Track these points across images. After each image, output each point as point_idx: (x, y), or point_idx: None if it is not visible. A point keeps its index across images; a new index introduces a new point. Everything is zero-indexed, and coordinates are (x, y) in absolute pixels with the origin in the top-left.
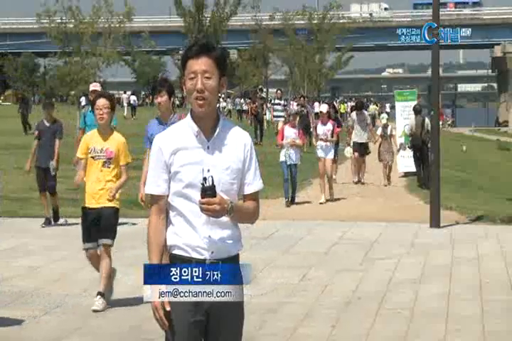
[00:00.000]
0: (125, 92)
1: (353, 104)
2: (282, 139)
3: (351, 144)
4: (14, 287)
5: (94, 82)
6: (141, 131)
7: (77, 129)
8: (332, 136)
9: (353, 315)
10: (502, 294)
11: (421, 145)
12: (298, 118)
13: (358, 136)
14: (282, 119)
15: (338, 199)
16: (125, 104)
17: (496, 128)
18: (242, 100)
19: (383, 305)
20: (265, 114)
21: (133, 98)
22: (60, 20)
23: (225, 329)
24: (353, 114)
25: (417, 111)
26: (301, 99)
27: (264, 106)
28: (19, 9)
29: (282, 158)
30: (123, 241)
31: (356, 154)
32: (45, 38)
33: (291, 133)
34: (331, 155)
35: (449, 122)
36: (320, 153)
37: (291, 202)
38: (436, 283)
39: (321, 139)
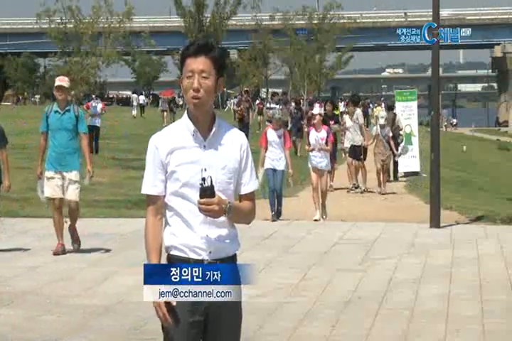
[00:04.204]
0: (135, 92)
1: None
2: (266, 143)
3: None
4: (14, 287)
5: (62, 75)
6: (146, 131)
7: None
8: (327, 144)
9: (353, 315)
10: (502, 294)
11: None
12: (290, 120)
13: (351, 138)
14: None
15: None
16: (135, 104)
17: (496, 128)
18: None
19: (383, 305)
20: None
21: (142, 98)
22: (59, 20)
23: (223, 329)
24: (359, 111)
25: (389, 107)
26: (283, 95)
27: (255, 107)
28: (19, 9)
29: (267, 165)
30: (122, 242)
31: (350, 159)
32: (45, 38)
33: (274, 137)
34: (326, 166)
35: (446, 123)
36: (313, 163)
37: (278, 216)
38: (436, 283)
39: (312, 150)
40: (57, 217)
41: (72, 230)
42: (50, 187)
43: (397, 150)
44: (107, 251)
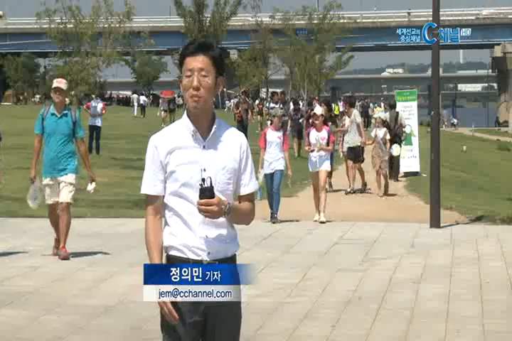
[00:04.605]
0: (135, 93)
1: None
2: (265, 144)
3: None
4: (14, 287)
5: (60, 77)
6: (145, 132)
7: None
8: (328, 145)
9: (353, 315)
10: (502, 294)
11: (393, 137)
12: (289, 122)
13: (348, 139)
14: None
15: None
16: (135, 104)
17: (496, 128)
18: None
19: (383, 305)
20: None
21: (142, 98)
22: (60, 20)
23: (223, 329)
24: (355, 111)
25: (391, 105)
26: (281, 95)
27: (255, 107)
28: (19, 9)
29: (266, 170)
30: (122, 242)
31: (351, 162)
32: (45, 38)
33: (274, 138)
34: (325, 166)
35: (446, 123)
36: (313, 167)
37: (273, 220)
38: (436, 283)
39: (312, 150)
40: (54, 220)
41: (63, 251)
42: (48, 195)
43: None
44: (107, 251)
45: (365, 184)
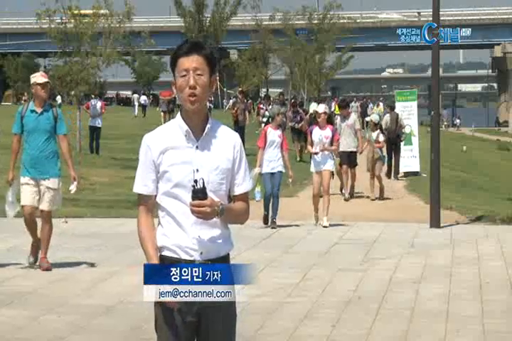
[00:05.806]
0: (135, 92)
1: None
2: (264, 143)
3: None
4: (14, 287)
5: (43, 72)
6: (145, 132)
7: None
8: (331, 144)
9: (353, 315)
10: (502, 294)
11: (395, 138)
12: (288, 123)
13: (344, 143)
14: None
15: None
16: (136, 104)
17: (496, 128)
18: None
19: (383, 304)
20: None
21: (143, 98)
22: (59, 20)
23: (217, 329)
24: (354, 115)
25: (391, 107)
26: (280, 96)
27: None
28: (19, 9)
29: (264, 169)
30: (122, 242)
31: (345, 167)
32: (45, 38)
33: (275, 137)
34: (329, 166)
35: (446, 123)
36: (315, 167)
37: (272, 225)
38: (436, 283)
39: (316, 153)
40: (32, 227)
41: (44, 262)
42: (24, 194)
43: (392, 151)
44: (107, 251)
45: (352, 186)
